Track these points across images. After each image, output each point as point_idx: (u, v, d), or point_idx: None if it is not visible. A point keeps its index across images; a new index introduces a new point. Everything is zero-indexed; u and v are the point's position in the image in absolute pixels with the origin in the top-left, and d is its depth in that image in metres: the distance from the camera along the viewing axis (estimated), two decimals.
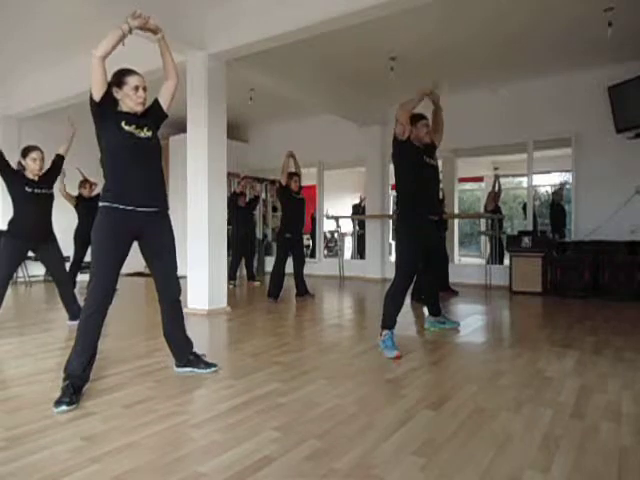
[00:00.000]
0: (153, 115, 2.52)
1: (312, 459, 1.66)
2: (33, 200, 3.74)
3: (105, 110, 2.33)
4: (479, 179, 11.88)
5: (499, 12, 4.60)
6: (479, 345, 3.41)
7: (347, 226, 9.70)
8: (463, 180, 10.23)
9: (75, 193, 6.00)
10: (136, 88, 2.37)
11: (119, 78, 2.37)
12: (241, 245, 7.08)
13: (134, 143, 2.36)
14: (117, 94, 2.37)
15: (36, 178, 3.80)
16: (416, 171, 3.28)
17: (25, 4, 4.49)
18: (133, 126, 2.37)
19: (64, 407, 2.10)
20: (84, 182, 6.09)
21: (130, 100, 2.37)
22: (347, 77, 6.51)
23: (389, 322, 3.13)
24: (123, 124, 2.34)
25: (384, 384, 2.52)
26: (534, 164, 6.82)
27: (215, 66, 4.78)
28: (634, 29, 4.90)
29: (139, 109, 2.41)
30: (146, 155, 2.43)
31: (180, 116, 5.12)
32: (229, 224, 5.40)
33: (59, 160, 4.02)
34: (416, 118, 3.34)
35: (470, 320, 4.29)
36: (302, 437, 1.83)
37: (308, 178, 9.79)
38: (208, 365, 2.70)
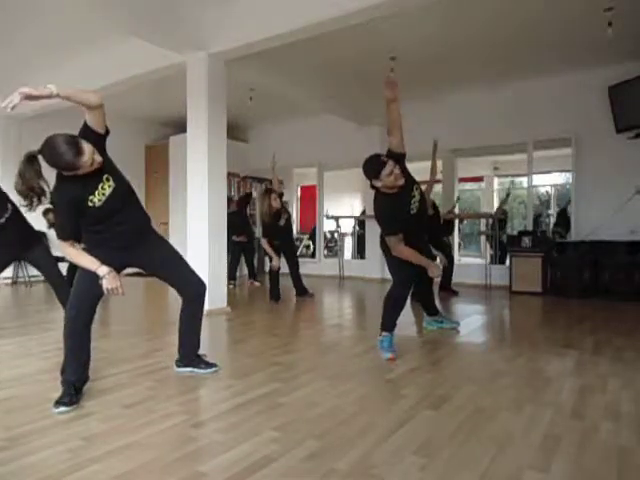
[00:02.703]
0: (96, 147, 2.12)
1: (312, 459, 1.66)
2: (3, 230, 3.51)
3: (75, 220, 2.17)
4: (479, 179, 11.89)
5: (499, 12, 4.60)
6: (479, 345, 3.41)
7: (347, 226, 9.70)
8: (463, 180, 10.23)
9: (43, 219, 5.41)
10: (92, 163, 2.06)
11: (71, 167, 2.02)
12: (239, 244, 7.07)
13: (108, 210, 2.20)
14: (69, 172, 2.06)
15: None
16: (404, 230, 2.96)
17: (26, 6, 4.49)
18: (96, 192, 2.15)
19: (64, 407, 2.10)
20: (48, 211, 5.43)
21: (87, 169, 2.07)
22: (347, 77, 6.50)
23: (388, 325, 3.11)
24: (90, 203, 2.14)
25: (384, 384, 2.52)
26: (534, 164, 6.82)
27: (215, 66, 4.78)
28: (634, 29, 4.90)
29: (98, 167, 2.12)
30: (118, 211, 2.26)
31: (180, 116, 5.14)
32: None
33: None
34: (376, 170, 2.82)
35: (470, 320, 4.28)
36: (302, 437, 1.83)
37: (308, 178, 9.83)
38: (209, 365, 2.70)
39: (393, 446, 1.76)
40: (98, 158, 2.09)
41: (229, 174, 6.14)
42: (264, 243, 5.40)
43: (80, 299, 2.26)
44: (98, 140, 2.15)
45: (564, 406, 2.16)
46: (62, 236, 2.18)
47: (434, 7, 4.30)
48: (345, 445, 1.77)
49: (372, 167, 2.86)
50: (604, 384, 2.46)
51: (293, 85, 6.21)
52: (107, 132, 2.23)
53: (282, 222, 5.48)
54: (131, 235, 2.35)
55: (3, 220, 3.49)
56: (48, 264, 3.86)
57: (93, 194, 2.15)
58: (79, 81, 5.83)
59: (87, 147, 2.04)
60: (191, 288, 2.59)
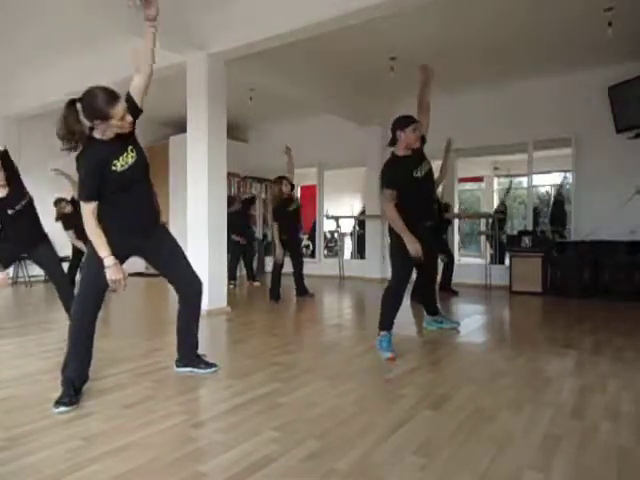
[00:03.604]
0: (137, 145, 2.33)
1: (312, 459, 1.66)
2: (16, 218, 3.56)
3: (98, 182, 2.20)
4: (479, 179, 11.88)
5: (499, 12, 4.60)
6: (479, 345, 3.41)
7: (347, 226, 9.71)
8: (463, 180, 10.22)
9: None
10: (122, 117, 2.16)
11: (102, 113, 2.11)
12: (239, 245, 7.06)
13: (129, 178, 2.26)
14: (101, 124, 2.15)
15: (7, 191, 3.49)
16: (405, 190, 3.09)
17: (26, 6, 4.49)
18: (120, 158, 2.22)
19: (64, 407, 2.10)
20: (60, 201, 5.72)
21: (117, 128, 2.18)
22: (347, 77, 6.50)
23: (386, 323, 3.12)
24: (114, 167, 2.20)
25: (384, 384, 2.52)
26: (534, 164, 6.82)
27: (215, 66, 4.78)
28: (634, 29, 4.90)
29: (127, 131, 2.23)
30: (136, 182, 2.32)
31: (180, 116, 5.13)
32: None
33: (4, 157, 3.57)
34: (405, 122, 3.12)
35: (470, 320, 4.28)
36: (302, 437, 1.83)
37: (308, 178, 9.82)
38: (208, 365, 2.70)
39: (393, 446, 1.76)
40: (129, 118, 2.19)
41: (229, 174, 6.13)
42: (274, 228, 5.50)
43: (86, 295, 2.29)
44: (133, 110, 2.27)
45: (564, 406, 2.16)
46: (86, 195, 2.21)
47: (434, 7, 4.30)
48: (345, 445, 1.77)
49: (404, 118, 3.16)
50: (604, 384, 2.46)
51: (293, 85, 6.20)
52: (141, 110, 2.34)
53: (291, 207, 5.55)
54: (145, 214, 2.40)
55: (19, 207, 3.55)
56: (52, 263, 3.91)
57: (118, 159, 2.22)
58: (79, 81, 5.83)
59: (123, 102, 2.15)
60: (189, 286, 2.61)
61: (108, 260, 2.19)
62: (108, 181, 2.21)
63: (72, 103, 2.13)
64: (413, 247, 3.02)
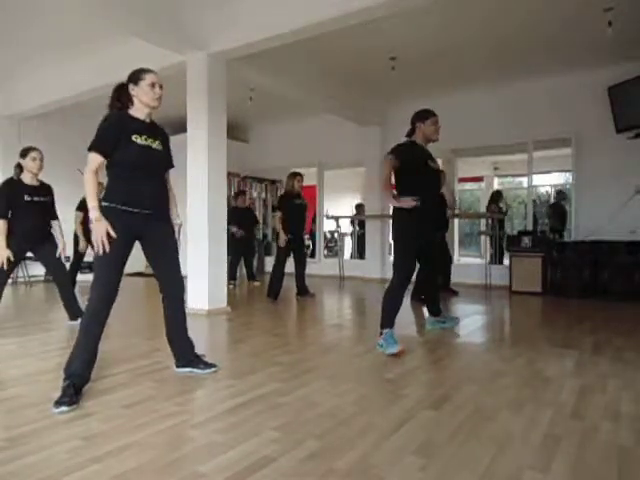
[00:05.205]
0: (166, 144, 2.56)
1: (312, 459, 1.66)
2: (30, 207, 3.73)
3: (115, 138, 2.31)
4: (479, 179, 11.89)
5: (499, 12, 4.60)
6: (479, 345, 3.41)
7: (347, 226, 9.70)
8: (463, 180, 10.23)
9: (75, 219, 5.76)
10: (152, 85, 2.41)
11: (136, 75, 2.42)
12: (241, 245, 7.06)
13: (146, 157, 2.38)
14: (132, 91, 2.41)
15: (36, 182, 3.79)
16: (419, 175, 3.19)
17: (26, 6, 4.49)
18: (144, 137, 2.38)
19: (64, 407, 2.10)
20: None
21: (146, 95, 2.40)
22: (347, 77, 6.51)
23: (388, 321, 3.13)
24: (134, 138, 2.34)
25: (384, 384, 2.52)
26: (534, 164, 6.82)
27: (215, 66, 4.78)
28: (634, 29, 4.90)
29: (155, 104, 2.45)
30: (155, 166, 2.47)
31: (180, 116, 5.13)
32: (228, 224, 5.39)
33: (54, 220, 3.98)
34: (424, 115, 3.27)
35: (470, 320, 4.29)
36: (302, 437, 1.83)
37: (308, 178, 9.83)
38: (208, 365, 2.70)
39: (393, 446, 1.76)
40: (158, 89, 2.43)
41: (229, 174, 6.14)
42: (277, 217, 5.52)
43: (100, 299, 2.31)
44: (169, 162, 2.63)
45: (564, 406, 2.16)
46: (96, 146, 2.29)
47: (434, 7, 4.30)
48: (345, 445, 1.77)
49: (424, 111, 3.31)
50: (604, 384, 2.46)
51: (293, 85, 6.20)
52: (171, 166, 2.66)
53: (298, 201, 5.58)
54: (155, 200, 2.45)
55: (37, 199, 3.77)
56: (56, 262, 3.98)
57: (141, 135, 2.37)
58: (79, 80, 5.84)
59: (157, 75, 2.46)
60: (174, 287, 2.62)
61: (94, 214, 2.23)
62: (128, 149, 2.31)
63: (121, 85, 2.45)
64: (408, 203, 3.05)
